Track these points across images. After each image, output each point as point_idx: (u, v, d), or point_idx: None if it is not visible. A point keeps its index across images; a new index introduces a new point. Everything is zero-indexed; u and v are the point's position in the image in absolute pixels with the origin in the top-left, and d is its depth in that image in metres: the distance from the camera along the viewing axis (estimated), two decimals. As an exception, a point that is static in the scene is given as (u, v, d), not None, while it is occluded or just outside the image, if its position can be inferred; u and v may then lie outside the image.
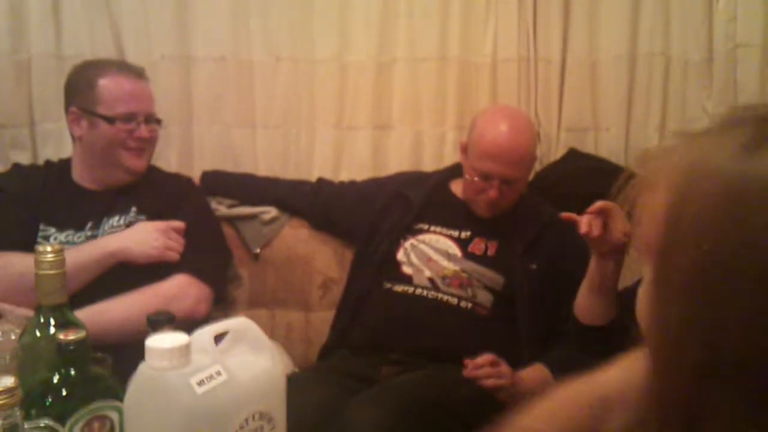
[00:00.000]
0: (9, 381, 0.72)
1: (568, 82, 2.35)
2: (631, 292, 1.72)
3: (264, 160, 2.44)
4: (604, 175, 2.25)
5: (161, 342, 0.86)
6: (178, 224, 1.93)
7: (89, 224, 1.93)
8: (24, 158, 2.31)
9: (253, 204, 2.33)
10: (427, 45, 2.37)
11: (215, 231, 2.11)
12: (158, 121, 2.01)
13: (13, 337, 1.10)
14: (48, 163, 2.14)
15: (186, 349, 0.86)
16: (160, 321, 1.06)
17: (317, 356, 2.14)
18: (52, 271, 1.02)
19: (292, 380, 1.04)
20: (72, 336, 0.92)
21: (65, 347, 0.92)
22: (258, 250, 2.30)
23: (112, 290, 1.79)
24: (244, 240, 2.30)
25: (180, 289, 1.85)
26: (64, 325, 1.02)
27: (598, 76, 2.32)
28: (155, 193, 1.99)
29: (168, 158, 2.36)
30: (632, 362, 1.26)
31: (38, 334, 1.03)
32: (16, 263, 1.79)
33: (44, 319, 1.03)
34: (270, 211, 2.33)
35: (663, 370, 0.68)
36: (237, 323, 0.95)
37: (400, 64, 2.38)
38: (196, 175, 2.35)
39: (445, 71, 2.38)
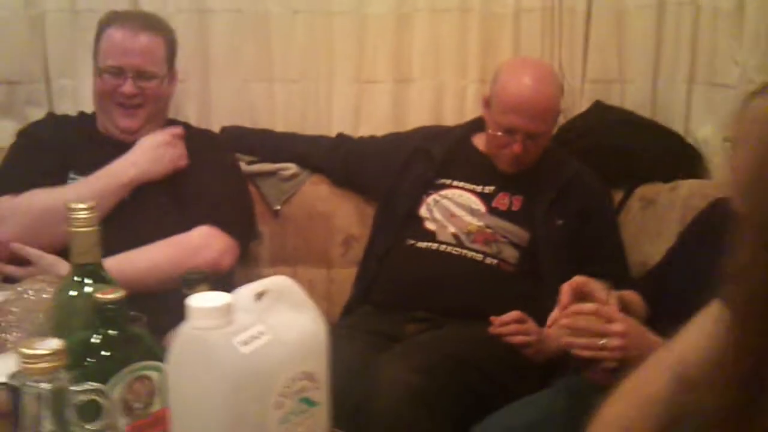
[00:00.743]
0: (54, 343, 0.70)
1: (593, 33, 2.28)
2: (663, 268, 1.71)
3: (282, 115, 2.39)
4: (630, 128, 2.24)
5: (203, 301, 0.84)
6: (176, 130, 1.96)
7: None
8: (40, 114, 2.28)
9: (273, 160, 2.30)
10: (448, -6, 2.31)
11: (239, 184, 2.08)
12: (152, 78, 1.94)
13: (45, 296, 1.09)
14: (82, 114, 2.13)
15: (229, 309, 0.84)
16: (195, 279, 1.04)
17: (340, 313, 2.13)
18: (85, 229, 0.99)
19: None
20: (110, 295, 0.90)
21: (103, 307, 0.90)
22: (278, 207, 2.27)
23: (135, 240, 1.77)
24: (265, 197, 2.27)
25: (204, 240, 1.84)
26: (98, 283, 1.00)
27: (624, 26, 2.25)
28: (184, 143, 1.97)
29: (186, 113, 2.33)
30: (705, 324, 1.24)
31: (73, 293, 1.01)
32: (40, 199, 1.80)
33: (79, 277, 1.01)
34: (290, 168, 2.30)
35: (745, 324, 0.66)
36: (277, 281, 0.93)
37: (420, 15, 2.32)
38: (214, 130, 2.32)
39: (467, 22, 2.31)
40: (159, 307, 1.11)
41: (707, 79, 2.16)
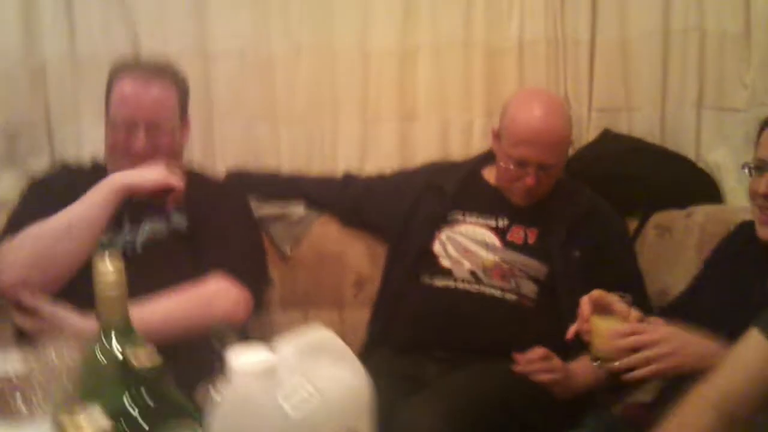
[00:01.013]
0: (102, 421, 0.66)
1: (598, 62, 2.28)
2: (688, 297, 1.69)
3: (288, 156, 2.37)
4: (640, 155, 2.23)
5: (246, 360, 0.80)
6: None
7: (127, 225, 1.86)
8: (42, 164, 2.25)
9: (280, 201, 2.26)
10: (451, 30, 2.29)
11: (254, 232, 2.04)
12: (165, 130, 1.87)
13: (70, 362, 1.04)
14: (95, 164, 2.05)
15: (273, 368, 0.81)
16: (224, 332, 0.99)
17: (357, 356, 2.08)
18: (113, 292, 0.95)
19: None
20: (147, 362, 0.86)
21: (140, 374, 0.86)
22: (289, 251, 2.24)
23: (148, 291, 1.73)
24: (274, 241, 2.24)
25: (218, 291, 1.79)
26: (128, 346, 0.96)
27: (629, 54, 2.25)
28: (194, 193, 1.92)
29: (190, 155, 2.29)
30: (746, 356, 1.21)
31: (101, 357, 0.96)
32: (35, 229, 1.74)
33: (107, 341, 0.97)
34: (298, 210, 2.27)
35: None
36: (317, 334, 0.90)
37: (423, 51, 2.31)
38: (219, 172, 2.29)
39: (471, 57, 2.31)
40: (177, 357, 1.06)
41: (716, 104, 2.15)
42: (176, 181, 1.83)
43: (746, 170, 1.55)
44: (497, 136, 2.03)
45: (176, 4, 2.28)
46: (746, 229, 1.64)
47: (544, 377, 1.76)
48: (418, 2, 2.29)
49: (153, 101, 1.85)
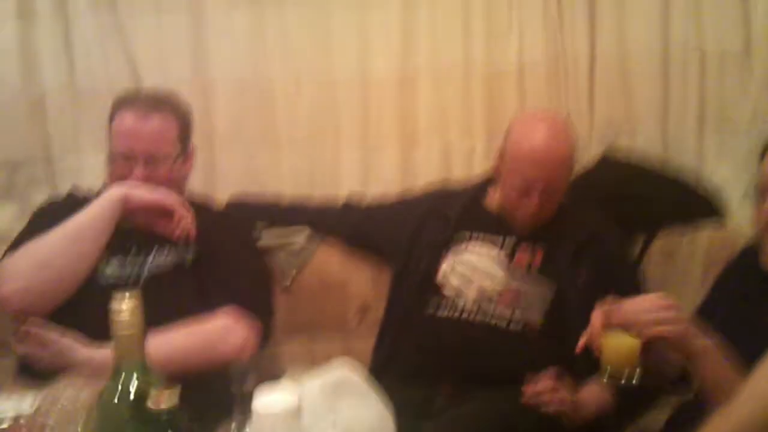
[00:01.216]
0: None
1: (598, 81, 2.28)
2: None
3: (289, 183, 2.37)
4: (643, 174, 2.22)
5: (271, 405, 0.79)
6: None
7: (133, 257, 1.84)
8: (42, 196, 2.23)
9: (282, 227, 2.25)
10: (450, 54, 2.30)
11: (261, 264, 2.03)
12: (164, 161, 1.86)
13: (81, 403, 1.02)
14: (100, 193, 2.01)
15: (298, 409, 0.79)
16: (243, 373, 0.97)
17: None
18: (128, 332, 0.94)
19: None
20: (164, 403, 0.84)
21: (159, 416, 0.84)
22: (292, 279, 2.22)
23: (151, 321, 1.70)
24: (276, 270, 2.20)
25: (227, 328, 1.78)
26: (144, 387, 0.94)
27: (629, 73, 2.25)
28: (199, 225, 1.91)
29: (191, 183, 2.28)
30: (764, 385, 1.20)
31: (117, 400, 0.95)
32: (31, 243, 1.74)
33: (123, 382, 0.95)
34: (300, 239, 2.25)
35: None
36: (339, 372, 0.88)
37: (423, 76, 2.32)
38: (221, 200, 2.27)
39: (470, 80, 2.31)
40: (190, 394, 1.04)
41: (718, 122, 2.16)
42: (178, 205, 1.83)
43: (751, 196, 1.54)
44: (501, 158, 2.02)
45: (175, 34, 2.29)
46: (750, 255, 1.63)
47: (552, 408, 1.74)
48: (416, 28, 2.29)
49: (151, 133, 1.85)
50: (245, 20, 2.29)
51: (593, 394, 1.83)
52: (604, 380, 1.50)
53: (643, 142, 2.27)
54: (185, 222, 1.85)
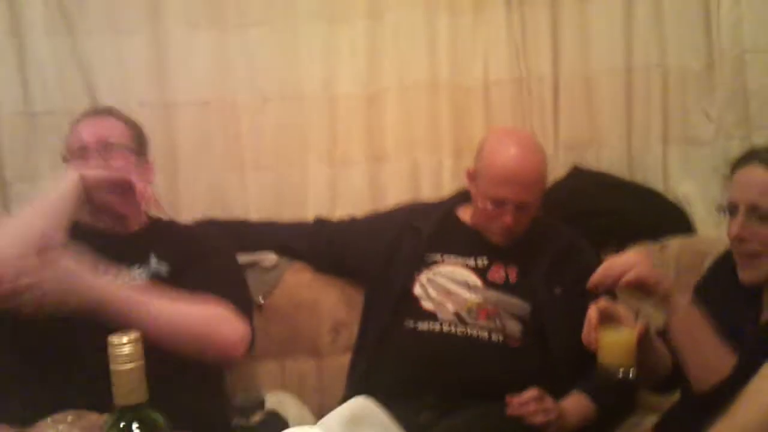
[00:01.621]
0: None
1: (562, 99, 2.31)
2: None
3: (256, 204, 2.32)
4: (611, 190, 2.26)
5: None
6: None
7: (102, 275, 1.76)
8: (-4, 223, 2.14)
9: (251, 251, 2.20)
10: (417, 72, 2.30)
11: (241, 273, 1.99)
12: (119, 149, 1.83)
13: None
14: None
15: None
16: (250, 407, 0.94)
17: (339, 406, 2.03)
18: (129, 365, 0.89)
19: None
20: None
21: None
22: (262, 300, 2.17)
23: None
24: (247, 290, 2.17)
25: (227, 317, 1.72)
26: (146, 428, 0.89)
27: (593, 91, 2.29)
28: (173, 239, 1.87)
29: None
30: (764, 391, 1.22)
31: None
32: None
33: (125, 423, 0.90)
34: (269, 258, 2.21)
35: None
36: (358, 405, 0.86)
37: (390, 93, 2.31)
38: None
39: (437, 97, 2.32)
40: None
41: (681, 137, 2.21)
42: (137, 178, 1.79)
43: (721, 214, 1.58)
44: (473, 177, 2.02)
45: (134, 54, 2.22)
46: (727, 262, 1.66)
47: (537, 419, 1.74)
48: (382, 45, 2.29)
49: (103, 127, 1.84)
50: (207, 39, 2.24)
51: (577, 404, 1.84)
52: (601, 376, 1.52)
53: (609, 158, 2.30)
54: (148, 192, 1.81)
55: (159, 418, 0.93)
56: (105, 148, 1.81)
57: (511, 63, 2.29)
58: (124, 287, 1.68)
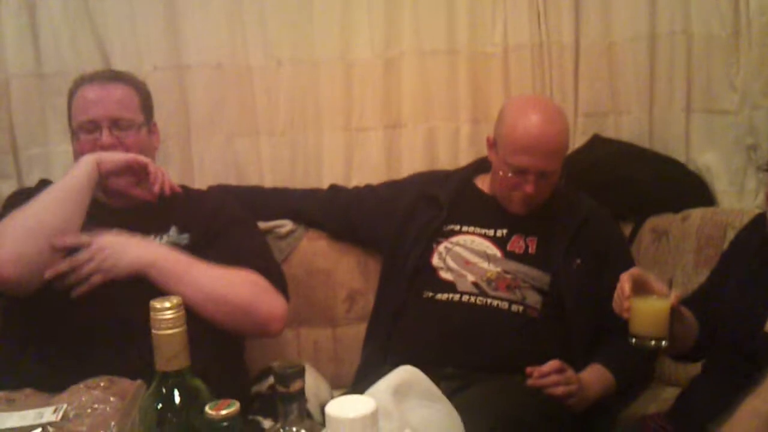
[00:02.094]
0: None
1: (583, 66, 2.26)
2: (706, 292, 1.68)
3: (270, 170, 2.29)
4: (631, 159, 2.22)
5: (347, 410, 0.73)
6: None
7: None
8: (9, 187, 2.12)
9: (266, 219, 2.17)
10: (435, 37, 2.26)
11: (268, 244, 1.97)
12: (129, 126, 1.81)
13: (111, 405, 0.95)
14: None
15: (375, 416, 0.74)
16: (291, 375, 0.91)
17: (355, 377, 2.01)
18: (171, 330, 0.87)
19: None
20: (224, 410, 0.78)
21: (217, 425, 0.78)
22: (279, 268, 2.15)
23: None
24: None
25: (268, 290, 1.72)
26: (188, 393, 0.87)
27: (614, 59, 2.24)
28: (193, 208, 1.84)
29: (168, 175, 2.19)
30: None
31: (160, 405, 0.88)
32: (16, 211, 1.67)
33: (166, 388, 0.88)
34: (285, 225, 2.19)
35: None
36: (405, 374, 0.84)
37: (407, 58, 2.26)
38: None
39: (455, 63, 2.27)
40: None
41: (705, 106, 2.16)
42: (151, 163, 1.79)
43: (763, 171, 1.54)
44: (493, 144, 1.99)
45: (148, 17, 2.18)
46: (760, 224, 1.62)
47: (559, 390, 1.73)
48: (400, 10, 2.24)
49: (113, 99, 1.81)
50: (222, 3, 2.20)
51: (596, 374, 1.83)
52: (633, 343, 1.49)
53: (629, 127, 2.26)
54: (162, 177, 1.80)
55: (201, 385, 0.92)
56: (116, 124, 1.79)
57: (532, 28, 2.24)
58: (174, 250, 1.69)
